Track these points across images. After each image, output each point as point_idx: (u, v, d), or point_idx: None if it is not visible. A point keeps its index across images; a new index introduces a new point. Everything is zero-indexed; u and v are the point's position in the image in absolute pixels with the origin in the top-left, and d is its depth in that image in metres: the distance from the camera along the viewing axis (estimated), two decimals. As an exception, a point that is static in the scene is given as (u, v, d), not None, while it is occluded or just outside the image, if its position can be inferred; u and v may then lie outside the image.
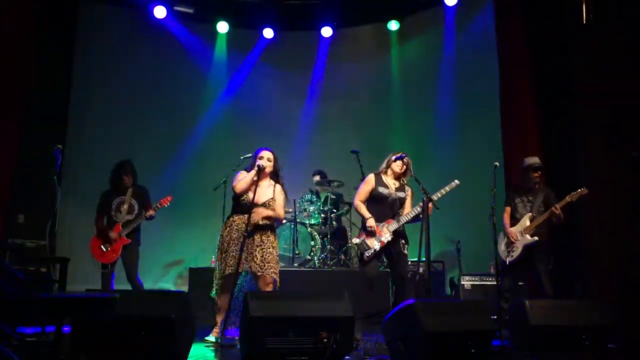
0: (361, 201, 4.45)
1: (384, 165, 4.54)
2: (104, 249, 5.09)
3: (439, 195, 4.30)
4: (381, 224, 4.35)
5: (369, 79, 8.20)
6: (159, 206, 5.18)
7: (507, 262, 4.84)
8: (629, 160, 4.76)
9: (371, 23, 8.12)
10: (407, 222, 4.40)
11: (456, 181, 4.40)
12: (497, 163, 4.86)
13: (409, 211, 4.39)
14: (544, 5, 6.00)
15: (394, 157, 4.47)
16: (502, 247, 4.93)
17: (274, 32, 8.02)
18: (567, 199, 4.71)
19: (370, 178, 4.48)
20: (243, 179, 4.32)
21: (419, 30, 7.88)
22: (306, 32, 8.23)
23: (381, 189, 4.40)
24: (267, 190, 4.40)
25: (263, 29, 8.01)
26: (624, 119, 4.91)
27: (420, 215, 4.26)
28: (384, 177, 4.48)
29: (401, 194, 4.43)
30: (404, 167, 4.45)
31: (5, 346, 3.22)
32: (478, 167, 6.14)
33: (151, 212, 5.14)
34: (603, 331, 3.86)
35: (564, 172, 5.65)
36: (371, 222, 4.33)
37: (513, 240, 4.85)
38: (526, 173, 4.99)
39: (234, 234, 4.24)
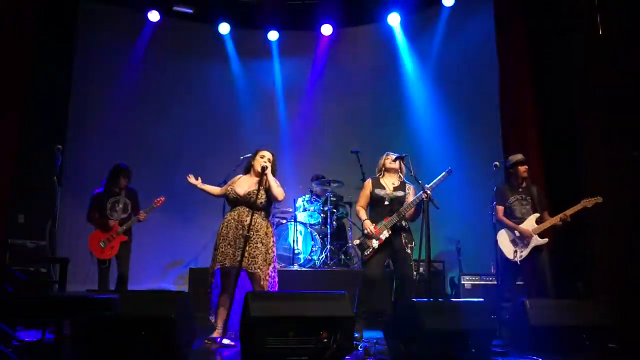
0: (361, 206, 4.54)
1: (379, 166, 4.63)
2: (102, 245, 5.16)
3: (434, 186, 4.27)
4: (379, 223, 4.38)
5: (369, 78, 8.19)
6: (154, 206, 5.33)
7: (518, 262, 4.72)
8: (629, 160, 4.76)
9: (371, 23, 8.13)
10: (407, 216, 4.39)
11: (449, 169, 4.34)
12: (497, 163, 4.88)
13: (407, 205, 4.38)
14: (544, 5, 6.00)
15: (385, 155, 4.59)
16: (505, 245, 4.78)
17: (275, 31, 8.01)
18: (584, 204, 4.62)
19: (368, 182, 4.59)
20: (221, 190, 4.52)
21: (418, 30, 7.88)
22: (306, 32, 8.23)
23: (377, 191, 4.46)
24: (252, 183, 4.38)
25: (264, 29, 8.00)
26: (623, 118, 4.91)
27: (421, 208, 4.25)
28: (381, 180, 4.55)
29: (399, 193, 4.43)
30: (396, 161, 4.51)
31: (6, 347, 3.22)
32: (478, 167, 6.14)
33: (144, 216, 5.28)
34: (603, 331, 3.87)
35: (564, 172, 5.65)
36: (366, 225, 4.40)
37: (528, 238, 4.74)
38: (514, 170, 4.94)
39: (224, 230, 4.27)
